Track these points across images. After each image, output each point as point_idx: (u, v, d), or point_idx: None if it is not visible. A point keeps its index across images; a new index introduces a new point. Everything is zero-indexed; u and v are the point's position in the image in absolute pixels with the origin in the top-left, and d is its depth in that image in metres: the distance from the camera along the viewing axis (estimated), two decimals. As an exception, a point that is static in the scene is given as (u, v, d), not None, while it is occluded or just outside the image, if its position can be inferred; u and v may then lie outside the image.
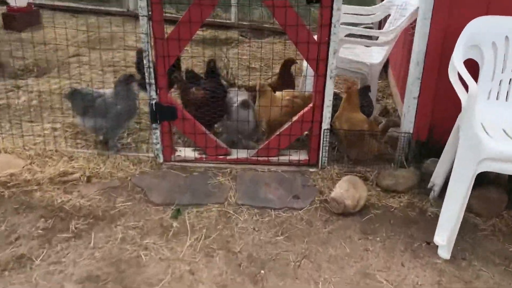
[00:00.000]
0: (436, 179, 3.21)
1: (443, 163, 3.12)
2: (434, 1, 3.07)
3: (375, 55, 4.06)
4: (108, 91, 3.62)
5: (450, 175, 2.72)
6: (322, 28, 3.12)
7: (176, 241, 2.81)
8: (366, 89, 3.79)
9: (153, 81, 3.25)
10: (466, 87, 2.62)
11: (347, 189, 3.07)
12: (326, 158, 3.50)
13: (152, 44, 3.18)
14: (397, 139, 3.55)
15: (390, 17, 4.17)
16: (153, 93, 3.30)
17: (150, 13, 3.07)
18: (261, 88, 3.52)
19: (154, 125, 3.41)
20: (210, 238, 2.83)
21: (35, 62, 5.24)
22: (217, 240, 2.82)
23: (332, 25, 3.08)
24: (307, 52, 3.19)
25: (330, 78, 3.24)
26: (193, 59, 4.87)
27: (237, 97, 3.57)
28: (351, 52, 4.06)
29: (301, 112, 3.43)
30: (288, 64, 4.03)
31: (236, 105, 3.55)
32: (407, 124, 3.43)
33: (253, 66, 5.53)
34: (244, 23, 7.10)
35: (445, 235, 2.70)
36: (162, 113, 3.37)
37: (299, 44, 3.18)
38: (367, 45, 3.92)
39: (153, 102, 3.32)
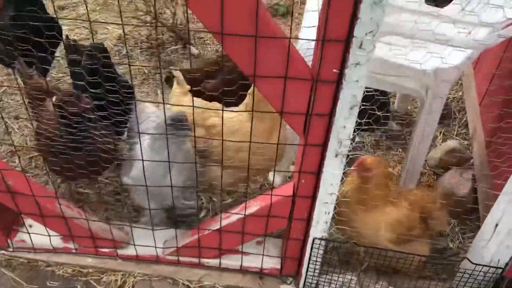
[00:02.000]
0: None
1: None
2: None
3: (449, 54, 1.72)
4: None
5: None
6: (326, 45, 1.10)
7: None
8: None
9: None
10: None
11: None
12: (316, 277, 1.69)
13: None
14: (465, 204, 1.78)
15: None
16: None
17: None
18: None
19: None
20: None
21: None
22: None
23: (354, 41, 1.07)
24: (281, 99, 1.21)
25: (337, 155, 1.30)
26: None
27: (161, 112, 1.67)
28: (393, 46, 1.79)
29: (264, 201, 1.55)
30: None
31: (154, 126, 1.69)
32: (497, 248, 1.53)
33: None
34: None
35: None
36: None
37: (259, 79, 1.18)
38: (441, 43, 1.56)
39: None
